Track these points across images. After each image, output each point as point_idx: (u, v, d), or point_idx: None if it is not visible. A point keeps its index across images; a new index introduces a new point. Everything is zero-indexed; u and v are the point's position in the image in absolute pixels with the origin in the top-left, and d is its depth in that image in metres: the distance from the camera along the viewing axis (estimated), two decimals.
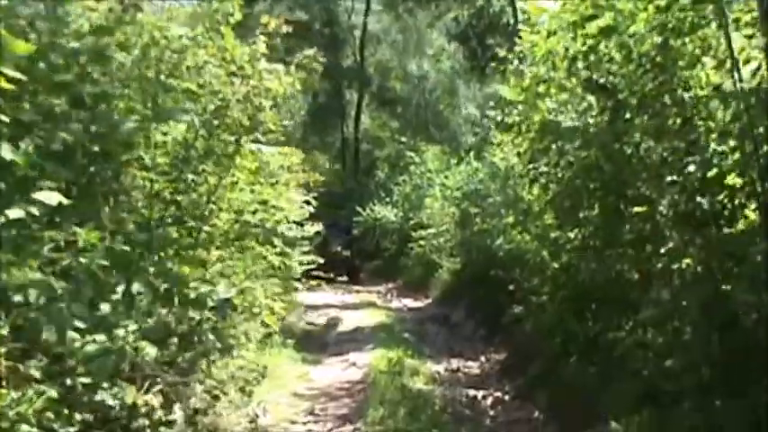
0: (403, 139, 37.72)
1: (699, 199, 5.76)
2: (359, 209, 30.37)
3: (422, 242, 23.22)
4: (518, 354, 11.74)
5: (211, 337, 6.44)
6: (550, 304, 9.62)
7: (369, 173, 40.60)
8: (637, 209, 7.20)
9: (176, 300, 5.67)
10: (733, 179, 5.43)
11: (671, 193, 6.41)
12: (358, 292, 25.00)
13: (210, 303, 5.81)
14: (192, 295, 5.71)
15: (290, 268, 12.26)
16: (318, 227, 22.54)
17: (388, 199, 30.54)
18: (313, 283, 15.96)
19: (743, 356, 4.99)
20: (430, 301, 20.86)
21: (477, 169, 18.87)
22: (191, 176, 7.70)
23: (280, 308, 9.69)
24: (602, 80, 6.54)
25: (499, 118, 9.38)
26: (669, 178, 6.52)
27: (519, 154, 9.52)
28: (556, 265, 9.43)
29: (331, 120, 42.29)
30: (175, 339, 6.30)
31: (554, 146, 8.42)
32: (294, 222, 14.78)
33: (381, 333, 15.22)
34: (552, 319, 9.48)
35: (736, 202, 5.43)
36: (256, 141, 9.31)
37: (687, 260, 6.26)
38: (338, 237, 28.59)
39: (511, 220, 11.40)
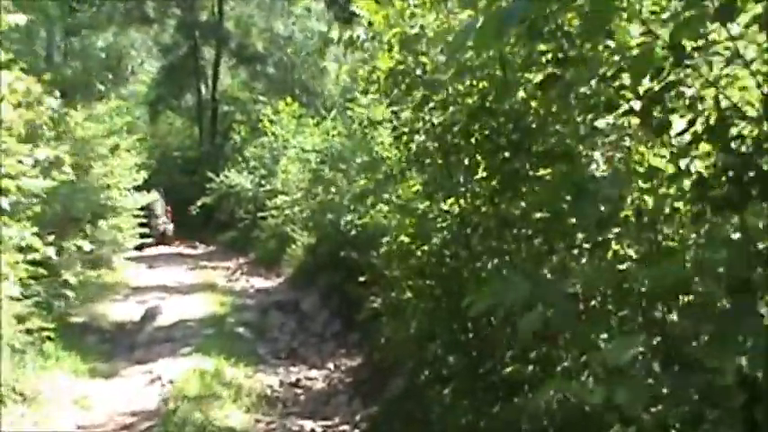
0: (263, 99, 34.39)
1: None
2: (212, 175, 27.28)
3: (275, 212, 20.10)
4: (376, 363, 9.04)
5: None
6: (417, 302, 6.91)
7: (227, 136, 37.45)
8: (543, 171, 4.58)
9: None
10: None
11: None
12: (204, 268, 21.78)
13: None
14: None
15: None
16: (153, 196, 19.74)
17: (244, 164, 27.39)
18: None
19: None
20: (281, 280, 17.83)
21: (335, 126, 15.88)
22: None
23: None
24: None
25: (334, 34, 6.39)
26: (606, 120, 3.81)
27: (366, 92, 6.65)
28: (423, 249, 6.68)
29: (186, 78, 38.89)
30: None
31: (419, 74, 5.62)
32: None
33: (209, 329, 12.07)
34: (419, 323, 6.81)
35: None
36: None
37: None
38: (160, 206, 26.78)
39: (362, 184, 8.46)
